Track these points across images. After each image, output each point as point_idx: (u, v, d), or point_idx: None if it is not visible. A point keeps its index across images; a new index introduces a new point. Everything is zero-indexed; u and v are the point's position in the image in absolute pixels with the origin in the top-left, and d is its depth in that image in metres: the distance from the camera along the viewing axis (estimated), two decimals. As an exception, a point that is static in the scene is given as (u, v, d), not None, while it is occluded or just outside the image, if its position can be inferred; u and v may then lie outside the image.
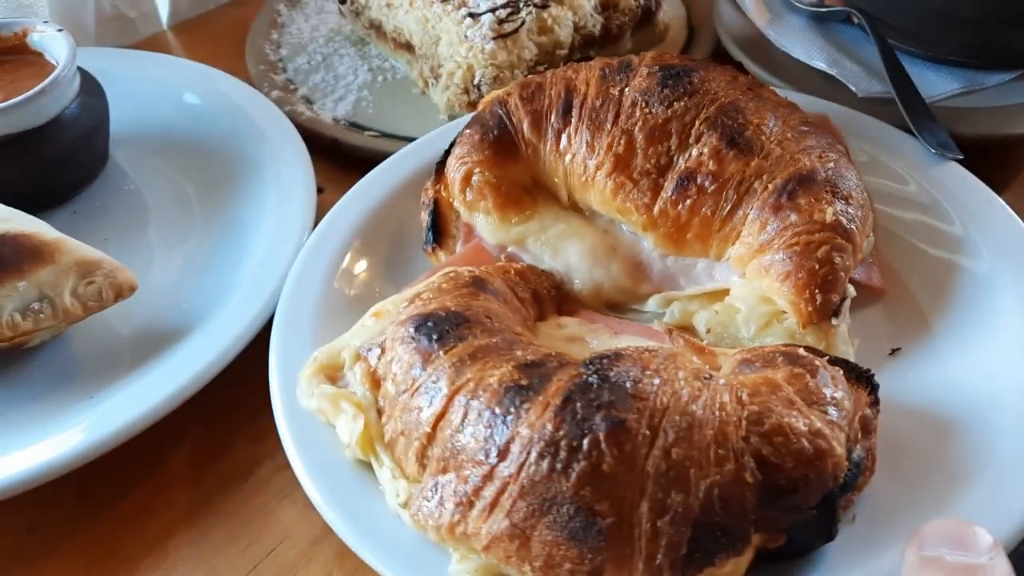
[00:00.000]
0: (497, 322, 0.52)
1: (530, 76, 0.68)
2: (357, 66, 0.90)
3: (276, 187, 0.74)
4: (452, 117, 0.82)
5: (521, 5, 0.79)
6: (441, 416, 0.47)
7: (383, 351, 0.53)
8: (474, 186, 0.64)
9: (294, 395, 0.55)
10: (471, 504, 0.45)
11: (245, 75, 0.89)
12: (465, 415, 0.46)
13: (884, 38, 0.77)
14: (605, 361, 0.46)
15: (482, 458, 0.45)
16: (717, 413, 0.44)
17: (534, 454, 0.43)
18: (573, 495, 0.42)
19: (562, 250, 0.62)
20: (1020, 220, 0.61)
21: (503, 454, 0.44)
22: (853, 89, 0.75)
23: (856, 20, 0.80)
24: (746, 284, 0.55)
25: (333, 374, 0.55)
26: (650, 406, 0.43)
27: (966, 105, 0.75)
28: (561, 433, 0.43)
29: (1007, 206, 0.62)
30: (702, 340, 0.56)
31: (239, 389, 0.62)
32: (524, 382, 0.46)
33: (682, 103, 0.60)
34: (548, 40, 0.79)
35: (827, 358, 0.49)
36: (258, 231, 0.71)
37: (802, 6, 0.86)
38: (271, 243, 0.70)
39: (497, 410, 0.45)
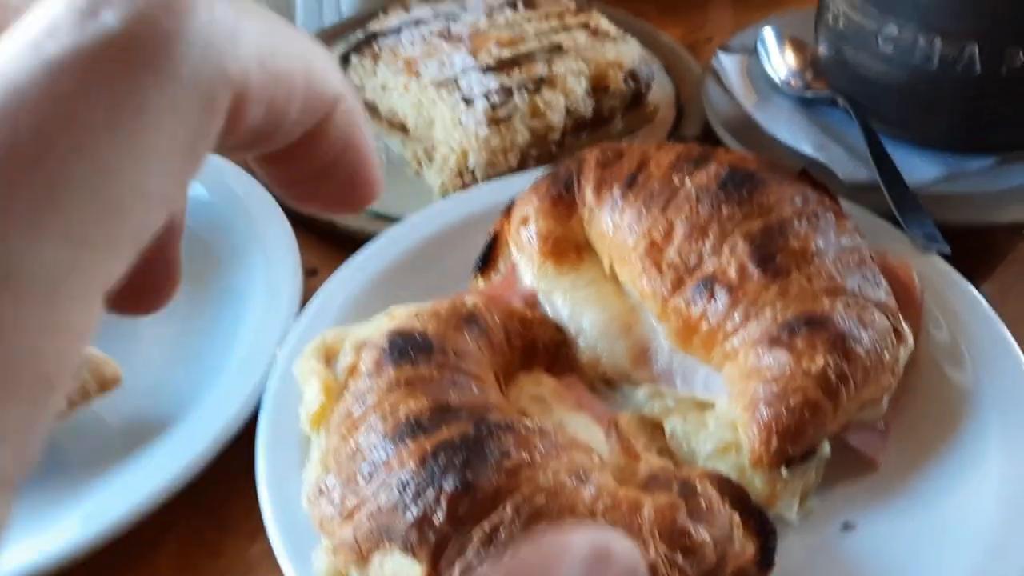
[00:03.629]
0: (463, 361, 0.56)
1: (614, 145, 0.70)
2: (351, 145, 0.91)
3: (264, 270, 0.74)
4: (444, 195, 0.84)
5: (514, 90, 0.80)
6: (354, 425, 0.52)
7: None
8: (528, 230, 0.67)
9: (283, 494, 0.55)
10: (339, 508, 0.50)
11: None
12: (368, 431, 0.51)
13: (868, 123, 0.79)
14: (495, 428, 0.50)
15: (360, 472, 0.50)
16: (558, 512, 0.46)
17: (391, 486, 0.48)
18: (404, 535, 0.47)
19: (581, 312, 0.64)
20: (1004, 328, 0.62)
21: (371, 476, 0.49)
22: (838, 174, 0.76)
23: (841, 104, 0.82)
24: (729, 405, 0.55)
25: (331, 356, 0.59)
26: (502, 483, 0.47)
27: (950, 191, 0.76)
28: (418, 477, 0.48)
29: (990, 310, 0.63)
30: (666, 443, 0.57)
31: (235, 478, 0.62)
32: (424, 422, 0.50)
33: (731, 208, 0.60)
34: (540, 124, 0.81)
35: (725, 497, 0.49)
36: (245, 315, 0.71)
37: (788, 90, 0.88)
38: (258, 327, 0.70)
39: (387, 437, 0.50)
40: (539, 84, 0.82)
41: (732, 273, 0.59)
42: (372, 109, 0.90)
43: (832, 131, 0.83)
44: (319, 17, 1.12)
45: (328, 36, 1.06)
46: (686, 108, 0.93)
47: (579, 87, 0.83)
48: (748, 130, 0.84)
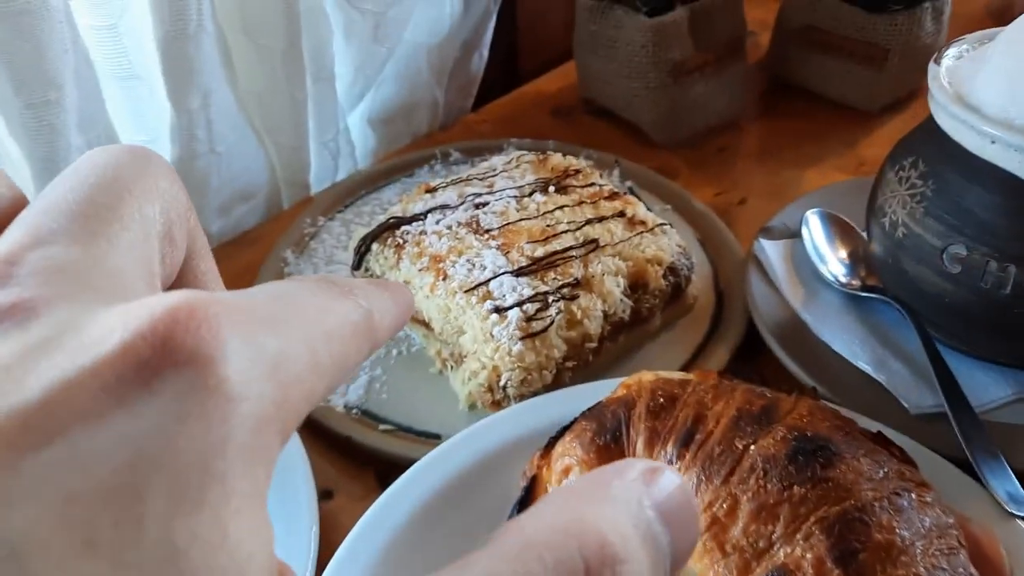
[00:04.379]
0: None
1: (665, 380, 0.64)
2: (370, 335, 0.86)
3: (275, 492, 0.68)
4: (472, 407, 0.78)
5: (550, 300, 0.75)
6: None
7: None
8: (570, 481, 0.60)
9: None
10: None
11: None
12: None
13: (929, 337, 0.73)
14: None
15: None
16: None
17: None
18: None
19: None
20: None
21: None
22: (904, 404, 0.71)
23: (896, 307, 0.77)
24: None
25: None
26: None
27: (1018, 421, 0.71)
28: None
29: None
30: None
31: None
32: None
33: (803, 489, 0.54)
34: (577, 334, 0.75)
35: None
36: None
37: (838, 285, 0.82)
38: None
39: None
40: (575, 288, 0.76)
41: (808, 567, 0.53)
42: (393, 300, 0.84)
43: (887, 336, 0.78)
44: (334, 170, 1.07)
45: (342, 192, 1.02)
46: (726, 293, 0.88)
47: (617, 289, 0.78)
48: (796, 334, 0.79)
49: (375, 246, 0.83)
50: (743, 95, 1.12)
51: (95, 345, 0.17)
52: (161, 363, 0.17)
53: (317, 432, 0.76)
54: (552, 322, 0.74)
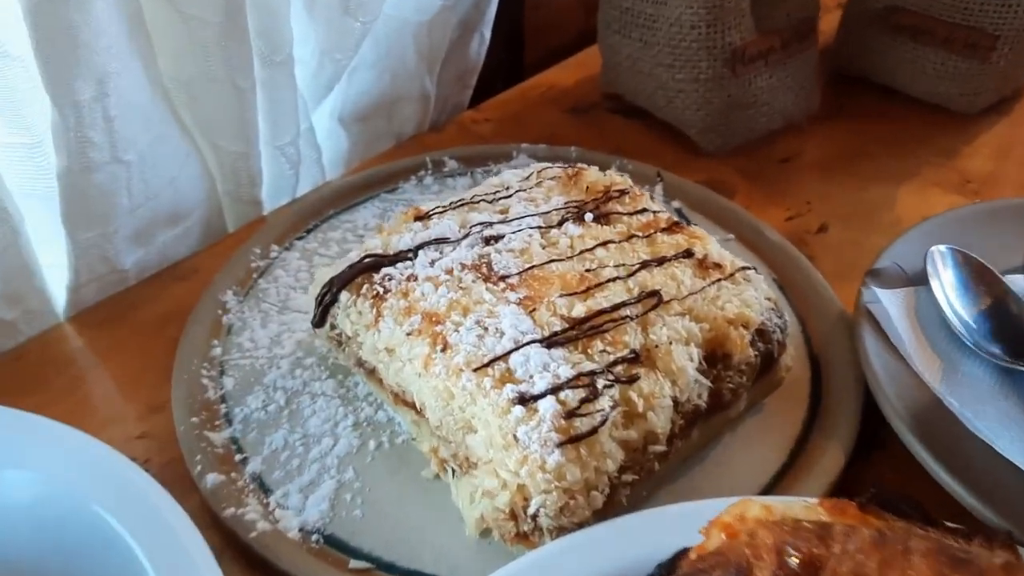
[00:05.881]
0: None
1: (788, 524, 0.42)
2: (338, 417, 0.62)
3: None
4: (485, 534, 0.54)
5: (599, 385, 0.51)
6: None
7: None
8: None
9: None
10: None
11: (166, 423, 0.61)
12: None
13: None
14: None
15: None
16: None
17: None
18: None
19: None
20: None
21: None
22: None
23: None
24: None
25: None
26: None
27: None
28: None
29: None
30: None
31: None
32: None
33: None
34: (638, 434, 0.52)
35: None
36: None
37: (986, 355, 0.60)
38: None
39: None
40: (633, 365, 0.53)
41: None
42: (369, 372, 0.61)
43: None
44: (293, 183, 0.83)
45: (304, 212, 0.78)
46: (823, 359, 0.65)
47: (690, 364, 0.54)
48: (939, 426, 0.56)
49: (344, 295, 0.59)
50: (815, 91, 0.89)
51: None
52: None
53: (260, 565, 0.53)
54: (605, 420, 0.50)
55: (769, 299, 0.59)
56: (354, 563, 0.53)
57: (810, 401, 0.62)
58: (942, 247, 0.65)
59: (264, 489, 0.57)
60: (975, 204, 0.74)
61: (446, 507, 0.56)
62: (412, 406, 0.58)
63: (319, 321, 0.61)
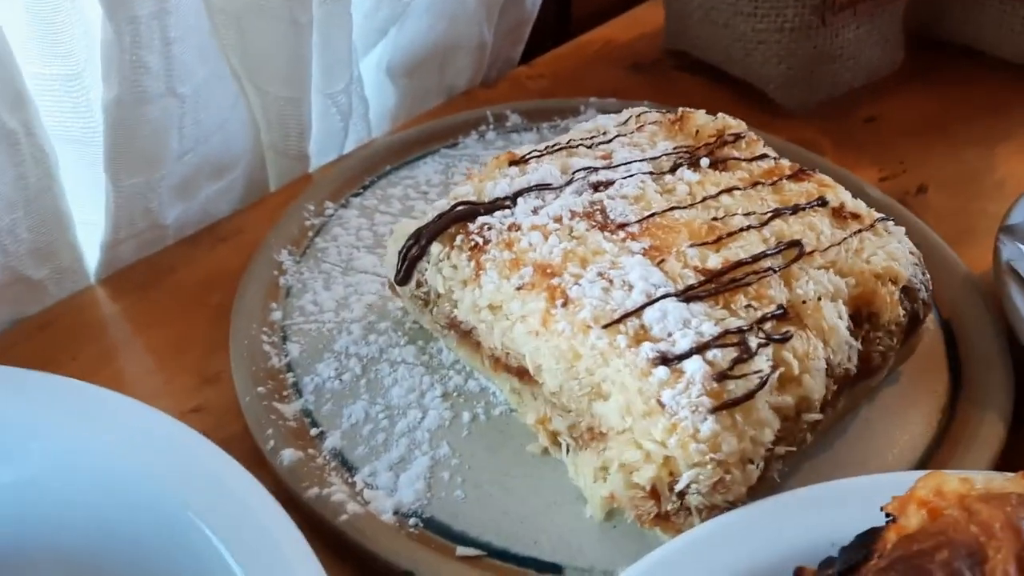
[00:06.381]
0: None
1: (1000, 497, 0.36)
2: (423, 387, 0.54)
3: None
4: (609, 517, 0.48)
5: (751, 343, 0.44)
6: None
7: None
8: None
9: None
10: None
11: (223, 395, 0.54)
12: None
13: None
14: None
15: None
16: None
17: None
18: None
19: None
20: None
21: None
22: None
23: None
24: None
25: None
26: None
27: None
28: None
29: None
30: None
31: None
32: None
33: None
34: (793, 398, 0.45)
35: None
36: None
37: None
38: None
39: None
40: (782, 322, 0.46)
41: None
42: (463, 335, 0.53)
43: None
44: (342, 137, 0.76)
45: (358, 167, 0.70)
46: (955, 324, 0.59)
47: (841, 322, 0.48)
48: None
49: (436, 248, 0.52)
50: (900, 47, 0.83)
51: None
52: None
53: (355, 554, 0.46)
54: (764, 382, 0.43)
55: (914, 254, 0.53)
56: (462, 550, 0.46)
57: (949, 369, 0.56)
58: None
59: (347, 467, 0.50)
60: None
61: (559, 486, 0.49)
62: (517, 371, 0.51)
63: (403, 278, 0.54)
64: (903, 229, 0.54)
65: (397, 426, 0.52)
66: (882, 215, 0.54)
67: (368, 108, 0.79)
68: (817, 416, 0.46)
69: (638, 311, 0.46)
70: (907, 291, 0.52)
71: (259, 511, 0.42)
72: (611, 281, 0.47)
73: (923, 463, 0.50)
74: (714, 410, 0.42)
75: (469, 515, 0.48)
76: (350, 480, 0.49)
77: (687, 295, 0.46)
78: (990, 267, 0.62)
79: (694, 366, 0.43)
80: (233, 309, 0.58)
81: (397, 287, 0.55)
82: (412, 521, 0.47)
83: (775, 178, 0.55)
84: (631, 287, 0.47)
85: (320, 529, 0.47)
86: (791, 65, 0.78)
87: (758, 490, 0.44)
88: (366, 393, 0.54)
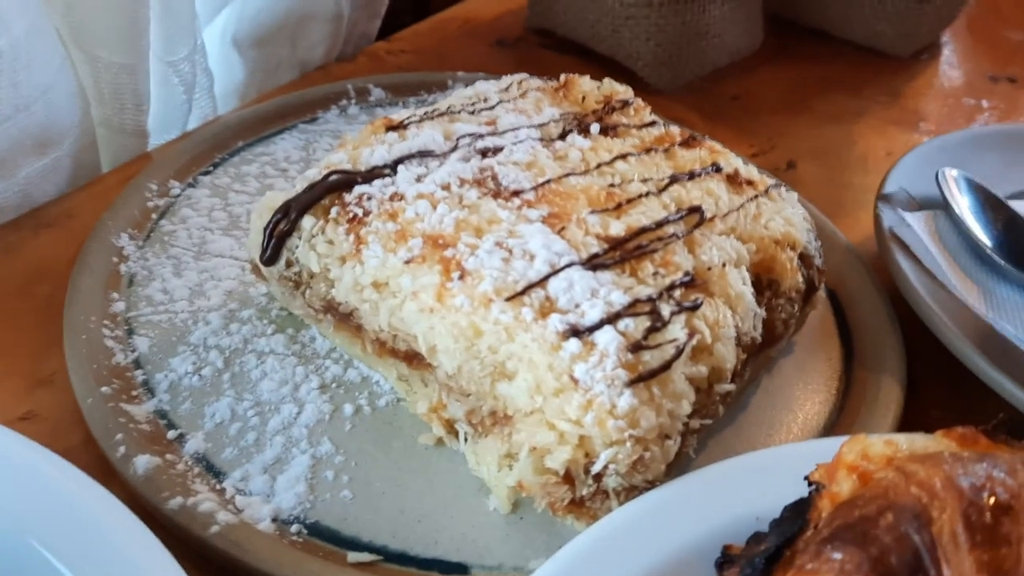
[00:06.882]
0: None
1: (932, 458, 0.35)
2: (297, 379, 0.48)
3: None
4: (515, 509, 0.43)
5: (663, 311, 0.41)
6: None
7: None
8: None
9: None
10: None
11: (59, 398, 0.46)
12: None
13: None
14: None
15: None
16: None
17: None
18: None
19: None
20: None
21: None
22: None
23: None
24: None
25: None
26: None
27: None
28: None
29: None
30: None
31: None
32: None
33: None
34: (706, 368, 0.42)
35: None
36: None
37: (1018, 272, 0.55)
38: None
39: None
40: (690, 289, 0.44)
41: None
42: (342, 318, 0.48)
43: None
44: (185, 111, 0.68)
45: (207, 143, 0.63)
46: (839, 292, 0.58)
47: (746, 289, 0.46)
48: (992, 348, 0.51)
49: (308, 221, 0.46)
50: (760, 28, 0.84)
51: None
52: None
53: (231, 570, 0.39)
54: (681, 351, 0.41)
55: (808, 220, 0.52)
56: (353, 556, 0.41)
57: (839, 336, 0.55)
58: (953, 171, 0.60)
59: (214, 472, 0.43)
60: (943, 136, 0.69)
61: (458, 479, 0.45)
62: (406, 355, 0.46)
63: (271, 257, 0.48)
64: (795, 195, 0.53)
65: (270, 423, 0.46)
66: (775, 180, 0.53)
67: (213, 82, 0.71)
68: (730, 387, 0.44)
69: (542, 281, 0.42)
70: (803, 258, 0.50)
71: (113, 530, 0.35)
72: (510, 251, 0.43)
73: (828, 430, 0.49)
74: (631, 383, 0.39)
75: (360, 517, 0.43)
76: (218, 487, 0.43)
77: (593, 263, 0.43)
78: (866, 236, 0.63)
79: (606, 337, 0.40)
80: (66, 301, 0.50)
81: (263, 268, 0.49)
82: (295, 528, 0.41)
83: (667, 144, 0.53)
84: (533, 256, 0.43)
85: (188, 543, 0.40)
86: (659, 42, 0.77)
87: (674, 467, 0.42)
88: (231, 389, 0.47)
